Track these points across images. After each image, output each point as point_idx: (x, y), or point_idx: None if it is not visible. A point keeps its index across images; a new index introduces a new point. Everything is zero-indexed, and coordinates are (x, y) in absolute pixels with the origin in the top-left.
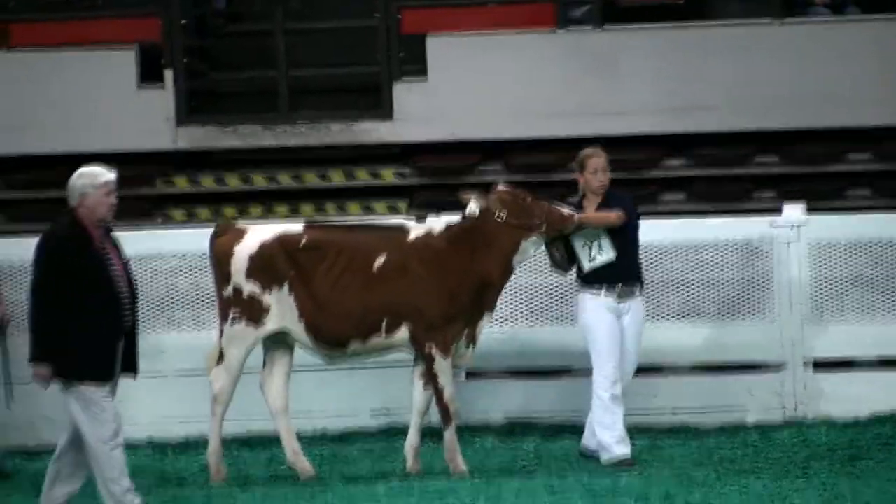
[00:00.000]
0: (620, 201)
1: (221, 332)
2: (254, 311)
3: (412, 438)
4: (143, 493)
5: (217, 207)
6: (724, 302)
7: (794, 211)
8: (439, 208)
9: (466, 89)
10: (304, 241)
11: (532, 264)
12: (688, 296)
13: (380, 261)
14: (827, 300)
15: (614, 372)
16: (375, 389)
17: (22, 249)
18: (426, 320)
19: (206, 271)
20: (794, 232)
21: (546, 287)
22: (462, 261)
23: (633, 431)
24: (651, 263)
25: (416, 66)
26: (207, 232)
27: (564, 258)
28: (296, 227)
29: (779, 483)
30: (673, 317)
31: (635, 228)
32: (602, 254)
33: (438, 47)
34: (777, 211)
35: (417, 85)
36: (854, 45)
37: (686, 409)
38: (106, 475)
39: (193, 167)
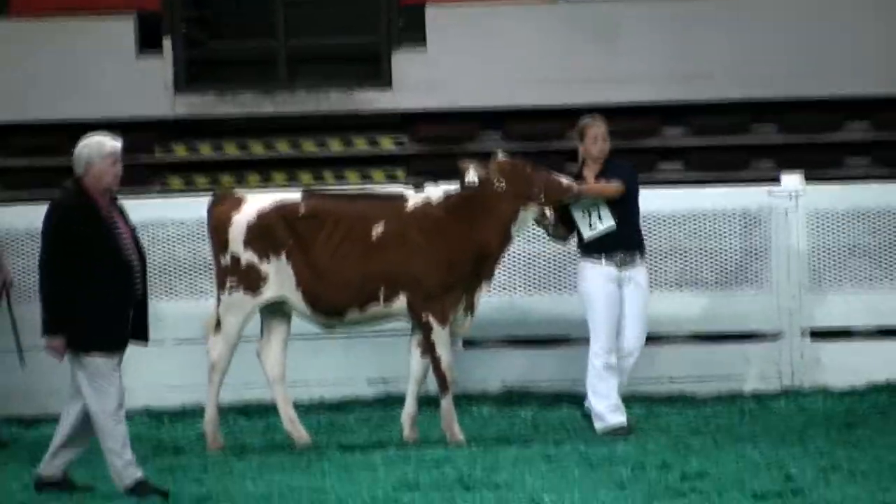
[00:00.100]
0: (620, 170)
1: (219, 300)
2: (251, 280)
3: (409, 407)
4: (139, 461)
5: (215, 176)
6: (721, 271)
7: (792, 180)
8: (438, 177)
9: (466, 58)
10: (302, 209)
11: (530, 233)
12: (685, 265)
13: (378, 230)
14: (824, 269)
15: (609, 341)
16: (372, 358)
17: (19, 217)
18: (424, 289)
19: (204, 239)
20: (791, 201)
21: (544, 255)
22: (461, 230)
23: (630, 400)
24: (649, 232)
25: (416, 34)
26: (205, 200)
27: (559, 227)
28: (294, 195)
29: (775, 451)
30: (670, 286)
31: (635, 197)
32: (602, 223)
33: (438, 16)
34: (775, 180)
35: (417, 54)
36: (852, 15)
37: (683, 377)
38: (108, 446)
39: (192, 135)
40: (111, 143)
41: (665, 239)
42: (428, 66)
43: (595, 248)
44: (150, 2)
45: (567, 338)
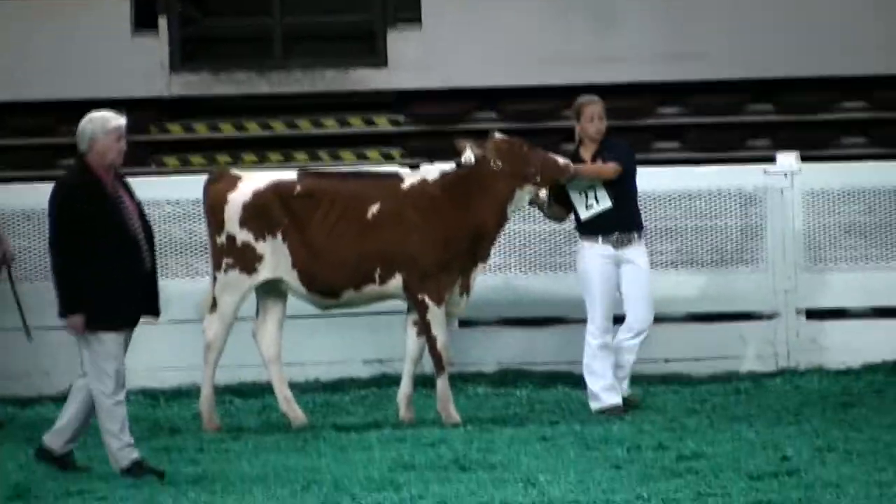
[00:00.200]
0: (617, 150)
1: (215, 279)
2: (247, 259)
3: (405, 387)
4: (135, 441)
5: (211, 155)
6: (717, 250)
7: (787, 159)
8: (433, 156)
9: (461, 37)
10: (298, 188)
11: (526, 212)
12: (681, 244)
13: (374, 209)
14: (820, 249)
15: (605, 321)
16: (368, 338)
17: (15, 196)
18: (420, 269)
19: (199, 219)
20: (787, 180)
21: (540, 235)
22: (457, 209)
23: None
24: (645, 212)
25: (411, 13)
26: (201, 179)
27: (554, 206)
28: (290, 174)
29: (771, 430)
30: (666, 265)
31: (633, 176)
32: (598, 203)
33: None
34: (771, 159)
35: (412, 32)
36: None
37: (679, 357)
38: (107, 427)
39: (187, 114)
40: (115, 119)
41: (660, 218)
42: (424, 44)
43: (592, 229)
44: None
45: (563, 318)
